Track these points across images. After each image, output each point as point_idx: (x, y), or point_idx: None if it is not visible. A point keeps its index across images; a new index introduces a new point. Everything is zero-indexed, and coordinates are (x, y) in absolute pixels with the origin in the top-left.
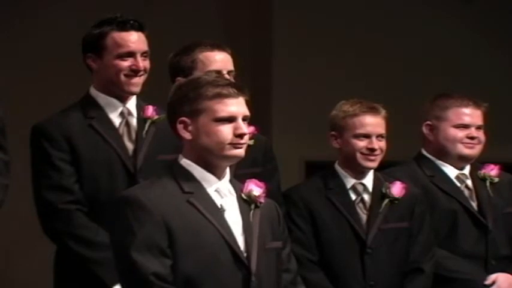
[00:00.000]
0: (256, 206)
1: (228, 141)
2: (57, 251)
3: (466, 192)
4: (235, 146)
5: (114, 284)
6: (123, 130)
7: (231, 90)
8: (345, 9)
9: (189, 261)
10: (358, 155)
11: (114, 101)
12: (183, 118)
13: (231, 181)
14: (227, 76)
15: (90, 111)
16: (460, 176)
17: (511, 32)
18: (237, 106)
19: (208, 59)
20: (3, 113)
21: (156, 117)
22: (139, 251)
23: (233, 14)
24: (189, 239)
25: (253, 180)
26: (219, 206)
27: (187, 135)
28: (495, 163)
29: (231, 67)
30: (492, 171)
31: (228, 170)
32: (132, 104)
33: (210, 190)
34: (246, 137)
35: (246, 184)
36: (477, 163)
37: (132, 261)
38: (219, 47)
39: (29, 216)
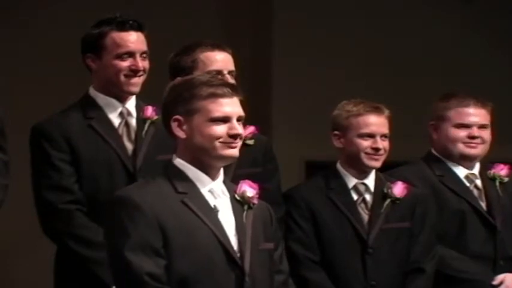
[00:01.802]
0: (250, 207)
1: (221, 141)
2: (57, 251)
3: (475, 192)
4: (229, 145)
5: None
6: (122, 130)
7: (225, 90)
8: (345, 10)
9: (184, 262)
10: (363, 154)
11: (114, 101)
12: (177, 116)
13: (224, 182)
14: (228, 76)
15: (90, 111)
16: (470, 175)
17: (511, 32)
18: (231, 106)
19: (208, 59)
20: (3, 113)
21: (155, 117)
22: (133, 252)
23: (233, 14)
24: (183, 239)
25: (247, 181)
26: (213, 207)
27: (181, 134)
28: (504, 163)
29: (231, 67)
30: (502, 171)
31: (222, 170)
32: (131, 104)
33: (204, 190)
34: (241, 137)
35: (239, 185)
36: (487, 163)
37: (126, 262)
38: (220, 47)
39: (29, 216)
